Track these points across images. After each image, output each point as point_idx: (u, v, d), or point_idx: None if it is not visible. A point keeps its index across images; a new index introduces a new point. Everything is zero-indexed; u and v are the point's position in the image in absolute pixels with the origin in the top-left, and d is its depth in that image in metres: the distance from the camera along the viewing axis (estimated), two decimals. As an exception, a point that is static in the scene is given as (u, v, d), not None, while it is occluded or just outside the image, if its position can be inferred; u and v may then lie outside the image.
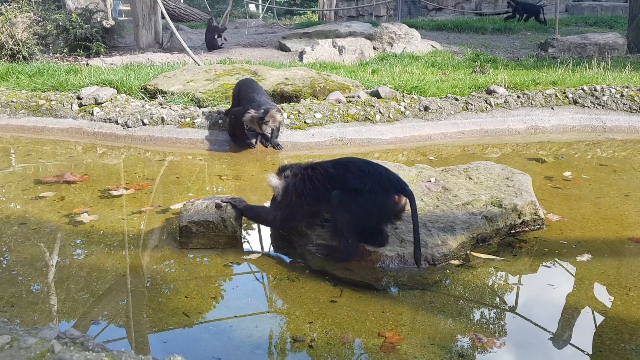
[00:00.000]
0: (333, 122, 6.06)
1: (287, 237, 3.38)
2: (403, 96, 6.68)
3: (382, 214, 2.99)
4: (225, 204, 3.37)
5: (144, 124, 6.11)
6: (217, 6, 24.36)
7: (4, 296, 2.65)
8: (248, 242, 3.42)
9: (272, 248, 3.34)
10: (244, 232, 3.48)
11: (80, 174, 4.66)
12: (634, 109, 6.87)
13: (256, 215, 3.45)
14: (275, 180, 3.23)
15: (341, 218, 2.94)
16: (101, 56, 11.17)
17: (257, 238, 3.51)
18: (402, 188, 2.98)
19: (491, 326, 2.52)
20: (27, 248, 3.23)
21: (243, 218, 3.48)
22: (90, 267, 3.01)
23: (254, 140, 5.62)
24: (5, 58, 9.85)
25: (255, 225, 3.67)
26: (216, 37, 12.10)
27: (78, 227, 3.53)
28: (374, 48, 11.39)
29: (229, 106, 6.51)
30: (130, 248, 3.27)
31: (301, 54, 10.59)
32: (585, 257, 3.12)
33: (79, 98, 6.68)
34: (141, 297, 2.70)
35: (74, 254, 3.21)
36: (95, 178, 4.60)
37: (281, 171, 3.27)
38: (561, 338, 2.42)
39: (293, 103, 6.45)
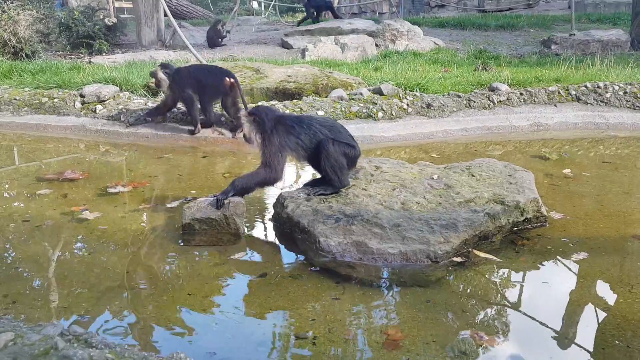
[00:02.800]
0: (335, 120, 6.05)
1: (290, 234, 3.38)
2: (405, 93, 6.67)
3: (218, 89, 5.53)
4: (227, 201, 3.38)
5: (147, 122, 6.12)
6: (220, 4, 24.33)
7: (8, 293, 2.66)
8: (251, 239, 3.42)
9: (274, 245, 3.34)
10: (247, 230, 3.48)
11: (83, 171, 4.67)
12: (637, 106, 6.86)
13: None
14: (161, 75, 5.67)
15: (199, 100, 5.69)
16: (104, 54, 11.19)
17: (260, 235, 3.52)
18: (227, 74, 5.56)
19: (494, 324, 2.52)
20: (30, 245, 3.24)
21: (246, 215, 3.50)
22: (93, 264, 3.01)
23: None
24: (8, 56, 9.86)
25: (258, 223, 3.67)
26: (218, 35, 12.12)
27: (80, 225, 3.54)
28: (377, 45, 11.38)
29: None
30: (133, 245, 3.28)
31: (303, 52, 10.59)
32: (588, 254, 3.11)
33: (81, 96, 6.69)
34: (144, 294, 2.71)
35: (76, 251, 3.22)
36: (98, 175, 4.61)
37: (163, 66, 5.78)
38: (564, 336, 2.42)
39: (295, 100, 6.45)
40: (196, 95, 5.63)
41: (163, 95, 6.01)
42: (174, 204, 3.90)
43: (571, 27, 12.14)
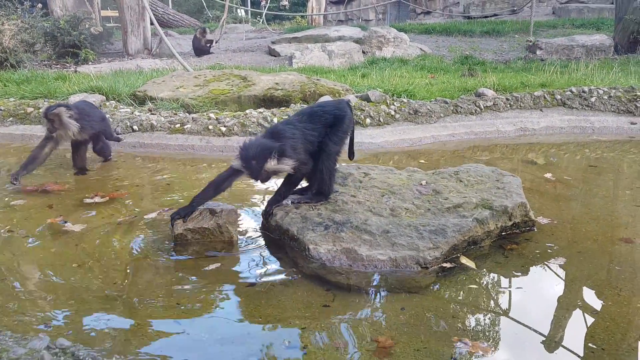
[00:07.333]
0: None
1: (279, 241, 3.37)
2: (393, 100, 6.70)
3: None
4: (220, 209, 3.37)
5: (134, 131, 6.08)
6: (206, 12, 24.32)
7: (-8, 307, 2.62)
8: (242, 247, 3.40)
9: (263, 253, 3.32)
10: (240, 237, 3.47)
11: (68, 182, 4.62)
12: (621, 110, 6.94)
13: None
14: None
15: None
16: (90, 63, 11.14)
17: (250, 243, 3.50)
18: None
19: (483, 330, 2.52)
20: (13, 257, 3.19)
21: (239, 222, 3.56)
22: (79, 276, 2.97)
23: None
24: (-7, 66, 9.79)
25: (247, 231, 3.65)
26: (204, 43, 12.11)
27: (65, 236, 3.50)
28: (364, 52, 11.44)
29: (218, 112, 6.49)
30: (121, 256, 3.24)
31: (291, 59, 10.61)
32: (576, 258, 3.13)
33: (67, 105, 6.64)
34: (132, 306, 2.68)
35: (61, 263, 3.17)
36: (83, 186, 4.57)
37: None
38: (553, 340, 2.43)
39: (283, 108, 6.45)
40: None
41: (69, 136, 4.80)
42: (162, 212, 3.87)
43: (530, 34, 12.44)
